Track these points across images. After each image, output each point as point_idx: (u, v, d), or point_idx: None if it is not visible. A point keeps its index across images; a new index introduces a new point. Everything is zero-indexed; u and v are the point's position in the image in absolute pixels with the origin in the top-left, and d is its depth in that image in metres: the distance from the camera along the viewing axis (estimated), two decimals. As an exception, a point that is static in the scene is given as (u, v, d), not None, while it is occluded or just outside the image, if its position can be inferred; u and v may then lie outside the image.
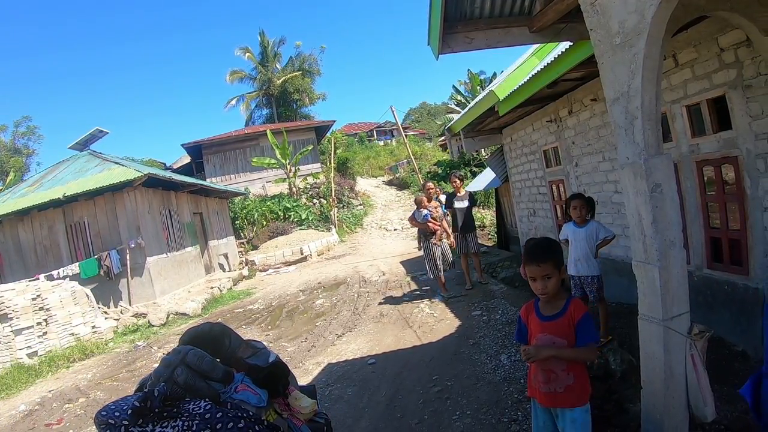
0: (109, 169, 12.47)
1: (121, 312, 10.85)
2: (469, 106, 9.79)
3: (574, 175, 7.18)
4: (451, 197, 8.57)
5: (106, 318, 10.23)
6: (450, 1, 3.96)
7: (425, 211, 7.88)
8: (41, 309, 8.83)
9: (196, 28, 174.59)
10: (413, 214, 8.21)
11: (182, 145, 27.23)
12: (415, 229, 10.05)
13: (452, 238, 8.19)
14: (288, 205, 22.73)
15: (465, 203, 8.43)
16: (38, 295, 8.89)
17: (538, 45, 6.01)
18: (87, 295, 9.96)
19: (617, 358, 3.99)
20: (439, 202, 8.57)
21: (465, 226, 8.34)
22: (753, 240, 3.92)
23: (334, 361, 5.92)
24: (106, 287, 11.24)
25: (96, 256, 11.16)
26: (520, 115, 8.60)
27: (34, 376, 7.55)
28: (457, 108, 29.40)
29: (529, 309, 2.45)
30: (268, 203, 22.93)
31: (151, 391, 1.86)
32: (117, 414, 1.71)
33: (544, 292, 2.31)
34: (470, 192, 8.81)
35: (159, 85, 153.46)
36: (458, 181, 8.70)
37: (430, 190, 8.11)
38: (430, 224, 7.84)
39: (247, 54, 37.47)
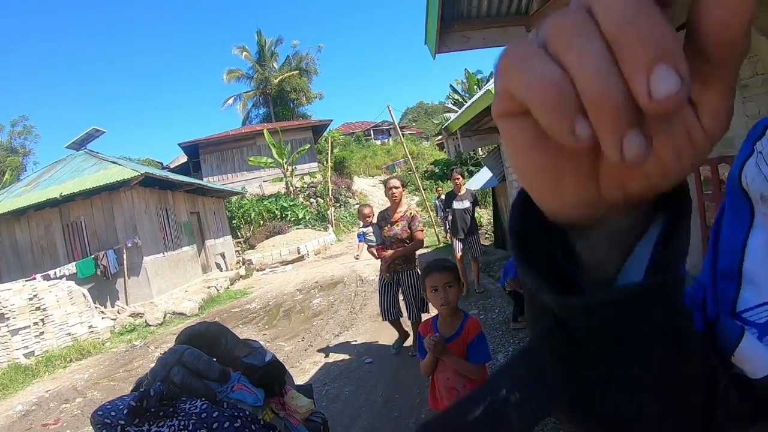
0: (105, 169, 12.44)
1: (118, 312, 10.82)
2: (467, 105, 9.77)
3: (571, 174, 7.19)
4: (450, 197, 7.77)
5: (103, 318, 10.20)
6: (447, 1, 3.97)
7: (363, 229, 5.61)
8: (38, 309, 8.79)
9: (193, 27, 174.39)
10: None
11: (179, 144, 27.21)
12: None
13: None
14: (285, 205, 22.69)
15: (466, 203, 7.57)
16: (35, 295, 8.85)
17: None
18: (84, 295, 9.93)
19: (614, 357, 4.00)
20: (439, 203, 7.81)
21: (465, 228, 7.59)
22: (749, 239, 3.92)
23: (331, 360, 5.92)
24: (103, 287, 11.21)
25: (93, 256, 11.12)
26: (518, 115, 8.59)
27: (31, 376, 7.52)
28: (455, 107, 29.43)
29: (428, 327, 2.46)
30: (265, 203, 22.89)
31: (148, 391, 1.85)
32: (113, 413, 1.70)
33: (445, 302, 2.32)
34: (472, 191, 7.84)
35: (156, 85, 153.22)
36: (460, 179, 7.69)
37: (393, 192, 5.36)
38: (369, 249, 5.53)
39: (244, 53, 37.42)
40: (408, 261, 5.26)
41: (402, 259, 5.20)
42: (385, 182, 5.67)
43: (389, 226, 5.26)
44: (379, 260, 5.47)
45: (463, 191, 7.68)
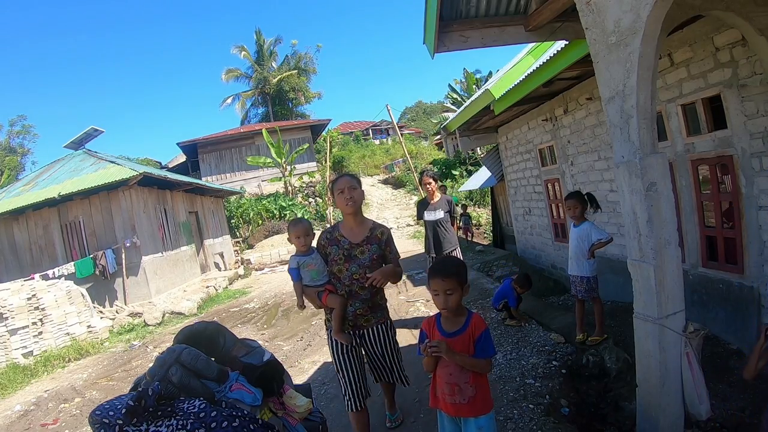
0: (104, 168, 12.43)
1: (116, 311, 10.81)
2: (465, 104, 9.79)
3: (570, 173, 7.20)
4: (422, 206, 6.27)
5: (101, 317, 10.19)
6: (445, 0, 3.96)
7: (298, 258, 3.24)
8: (36, 309, 8.78)
9: (192, 27, 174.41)
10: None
11: (178, 143, 27.19)
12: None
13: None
14: (283, 204, 22.72)
15: (440, 213, 6.05)
16: (33, 295, 8.84)
17: (533, 44, 6.02)
18: (82, 295, 9.92)
19: (613, 356, 4.00)
20: (450, 202, 6.12)
21: (438, 245, 6.04)
22: (748, 239, 3.93)
23: (329, 359, 5.90)
24: (101, 287, 11.21)
25: (91, 256, 11.11)
26: (516, 114, 8.61)
27: (30, 376, 7.51)
28: (453, 107, 29.45)
29: (431, 324, 2.47)
30: (264, 202, 22.93)
31: (146, 390, 1.85)
32: (111, 413, 1.70)
33: (444, 306, 2.34)
34: (448, 198, 6.29)
35: (154, 84, 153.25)
36: (433, 183, 6.14)
37: (349, 196, 3.18)
38: (306, 292, 3.24)
39: (243, 53, 37.48)
40: (375, 308, 3.26)
41: (366, 307, 3.20)
42: (333, 182, 3.30)
43: (345, 253, 3.17)
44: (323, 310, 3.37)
45: (436, 198, 6.15)
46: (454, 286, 2.32)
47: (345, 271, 3.14)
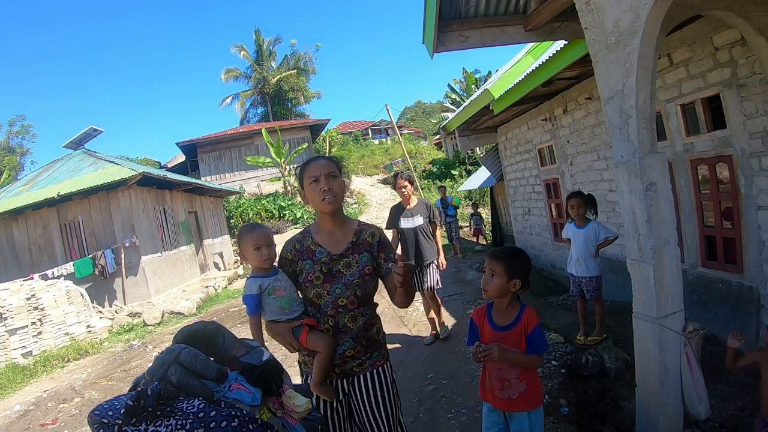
0: (103, 168, 12.43)
1: (115, 311, 10.81)
2: (464, 104, 9.79)
3: (569, 173, 7.20)
4: (396, 213, 5.57)
5: (100, 317, 10.18)
6: (445, 0, 3.96)
7: (259, 281, 2.27)
8: (36, 309, 8.77)
9: (192, 27, 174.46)
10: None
11: (177, 143, 27.16)
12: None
13: None
14: (283, 204, 22.71)
15: (418, 220, 5.42)
16: (33, 295, 8.84)
17: (533, 44, 6.02)
18: (82, 295, 9.91)
19: (612, 356, 4.00)
20: (437, 207, 5.45)
21: (420, 255, 5.41)
22: (747, 238, 3.93)
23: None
24: (100, 286, 11.20)
25: (90, 256, 11.11)
26: (515, 114, 8.61)
27: (29, 376, 7.50)
28: (452, 107, 29.45)
29: (482, 314, 2.43)
30: (263, 202, 22.92)
31: (145, 390, 1.85)
32: (110, 413, 1.70)
33: (485, 287, 2.35)
34: (427, 202, 5.70)
35: (154, 84, 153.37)
36: (409, 187, 5.47)
37: (327, 186, 2.17)
38: (272, 329, 2.32)
39: (243, 52, 37.45)
40: (370, 346, 2.27)
41: (358, 346, 2.23)
42: (302, 167, 2.24)
43: (324, 268, 2.22)
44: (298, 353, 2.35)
45: (413, 203, 5.53)
46: (499, 270, 2.29)
47: (326, 296, 2.18)
